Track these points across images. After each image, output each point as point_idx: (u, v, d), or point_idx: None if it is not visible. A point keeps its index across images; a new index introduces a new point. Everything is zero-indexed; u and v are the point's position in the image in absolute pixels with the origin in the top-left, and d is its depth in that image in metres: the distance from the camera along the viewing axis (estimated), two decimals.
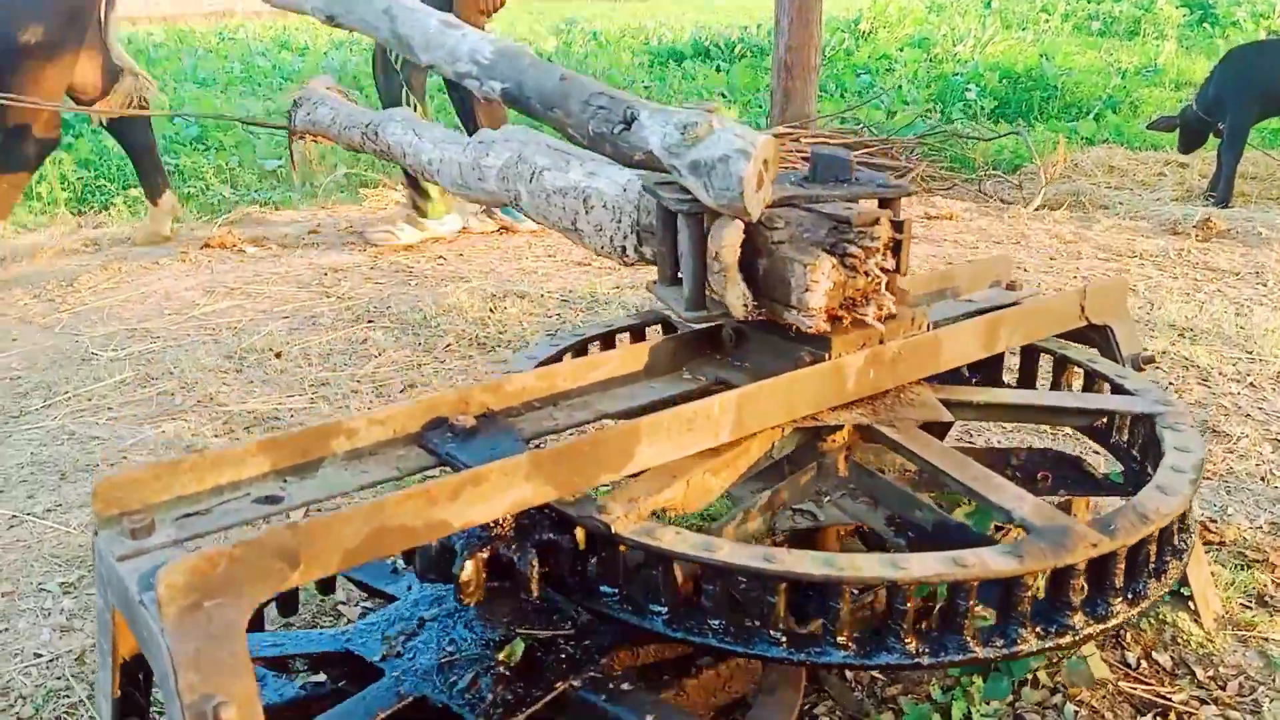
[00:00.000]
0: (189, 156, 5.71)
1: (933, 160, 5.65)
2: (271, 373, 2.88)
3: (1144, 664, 1.64)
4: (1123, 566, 1.18)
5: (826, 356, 1.40)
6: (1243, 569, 1.89)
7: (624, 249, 1.56)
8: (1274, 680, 1.60)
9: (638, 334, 1.82)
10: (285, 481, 1.17)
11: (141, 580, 0.93)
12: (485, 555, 1.20)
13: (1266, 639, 1.69)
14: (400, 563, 1.61)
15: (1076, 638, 1.16)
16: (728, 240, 1.38)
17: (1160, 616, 1.73)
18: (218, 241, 4.19)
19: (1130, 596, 1.20)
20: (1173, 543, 1.29)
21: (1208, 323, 3.22)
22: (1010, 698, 1.54)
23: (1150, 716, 1.52)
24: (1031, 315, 1.65)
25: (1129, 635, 1.70)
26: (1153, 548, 1.23)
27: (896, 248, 1.43)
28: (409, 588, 1.53)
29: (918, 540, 1.33)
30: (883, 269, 1.40)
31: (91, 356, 3.03)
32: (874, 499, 1.43)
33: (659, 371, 1.52)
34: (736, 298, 1.40)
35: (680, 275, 1.46)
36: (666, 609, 1.16)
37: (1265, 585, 1.84)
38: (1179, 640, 1.69)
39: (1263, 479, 2.25)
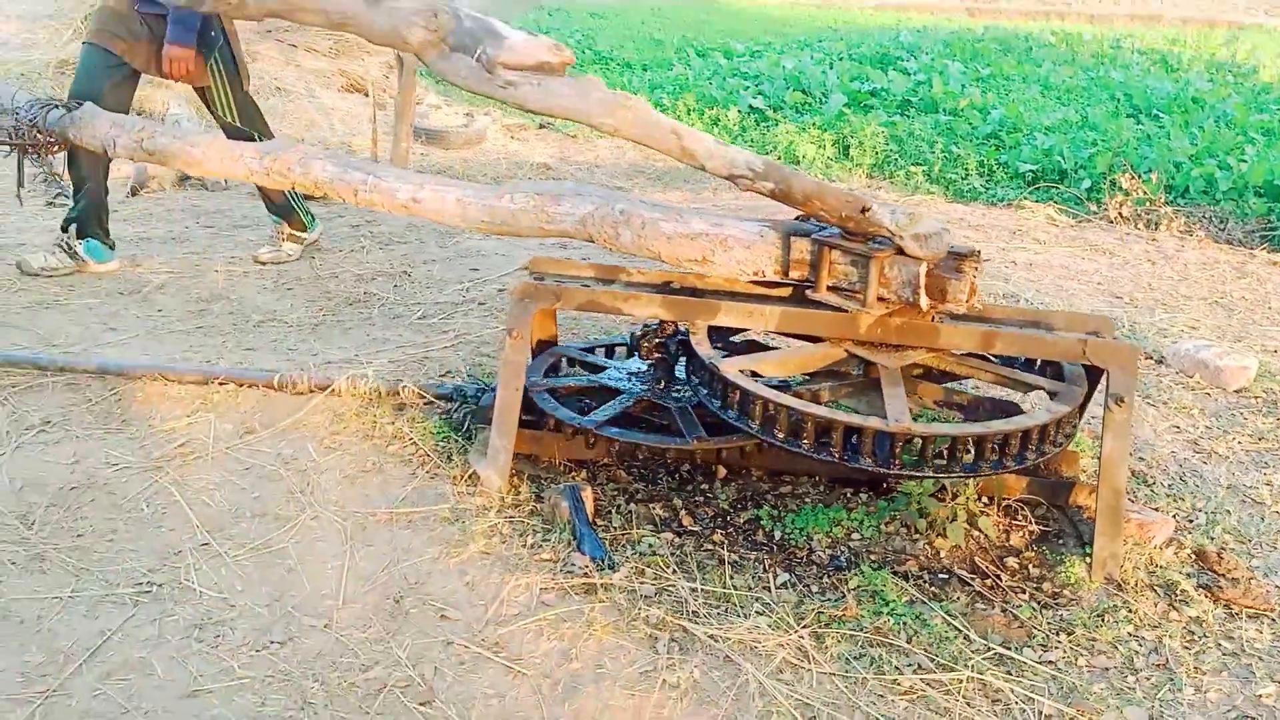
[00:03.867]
0: None
1: None
2: None
3: (1007, 570, 2.67)
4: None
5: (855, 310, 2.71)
6: (1199, 574, 2.67)
7: (765, 272, 2.83)
8: (1089, 639, 2.49)
9: None
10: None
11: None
12: (655, 340, 2.88)
13: (1131, 611, 2.56)
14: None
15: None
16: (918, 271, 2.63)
17: (1064, 557, 2.69)
18: None
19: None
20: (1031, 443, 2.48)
21: None
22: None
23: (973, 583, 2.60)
24: (1029, 340, 2.71)
25: (1021, 547, 2.71)
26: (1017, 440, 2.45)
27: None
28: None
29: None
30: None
31: None
32: (866, 400, 2.74)
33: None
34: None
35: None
36: (733, 411, 2.64)
37: (1187, 589, 2.62)
38: (1058, 570, 2.66)
39: None
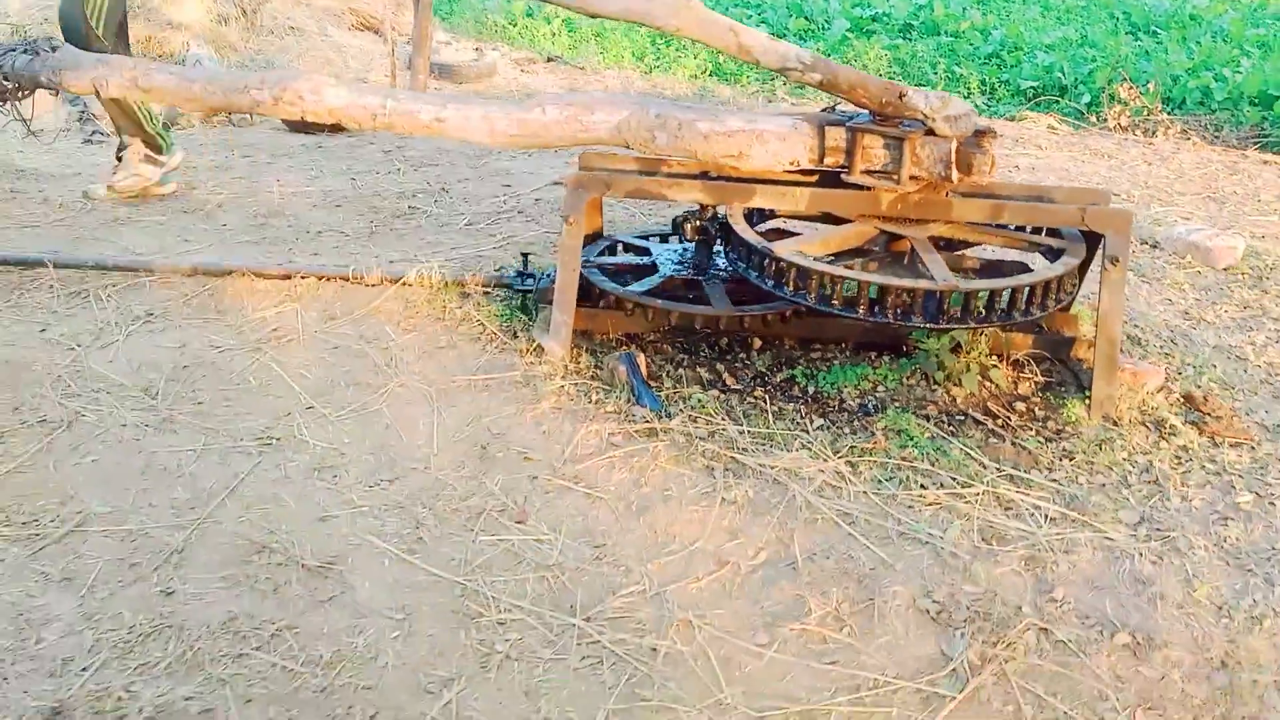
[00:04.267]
0: None
1: None
2: None
3: (1016, 412, 3.04)
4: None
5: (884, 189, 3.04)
6: (1187, 413, 3.04)
7: (800, 161, 3.16)
8: (1088, 463, 2.86)
9: None
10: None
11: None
12: (697, 222, 3.22)
13: (1125, 442, 2.92)
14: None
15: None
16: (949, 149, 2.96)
17: (1066, 401, 3.06)
18: None
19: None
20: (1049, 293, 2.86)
21: None
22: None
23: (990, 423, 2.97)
24: (1034, 210, 3.05)
25: (1029, 394, 3.08)
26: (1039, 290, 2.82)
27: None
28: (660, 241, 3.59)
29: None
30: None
31: None
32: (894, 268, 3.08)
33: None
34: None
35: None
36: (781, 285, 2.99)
37: (1175, 425, 2.99)
38: (1060, 412, 3.03)
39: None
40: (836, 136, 3.00)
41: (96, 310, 3.38)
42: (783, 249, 2.95)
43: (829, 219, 3.22)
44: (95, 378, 3.02)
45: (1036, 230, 3.21)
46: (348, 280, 3.53)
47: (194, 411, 2.91)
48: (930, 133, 2.89)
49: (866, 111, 3.04)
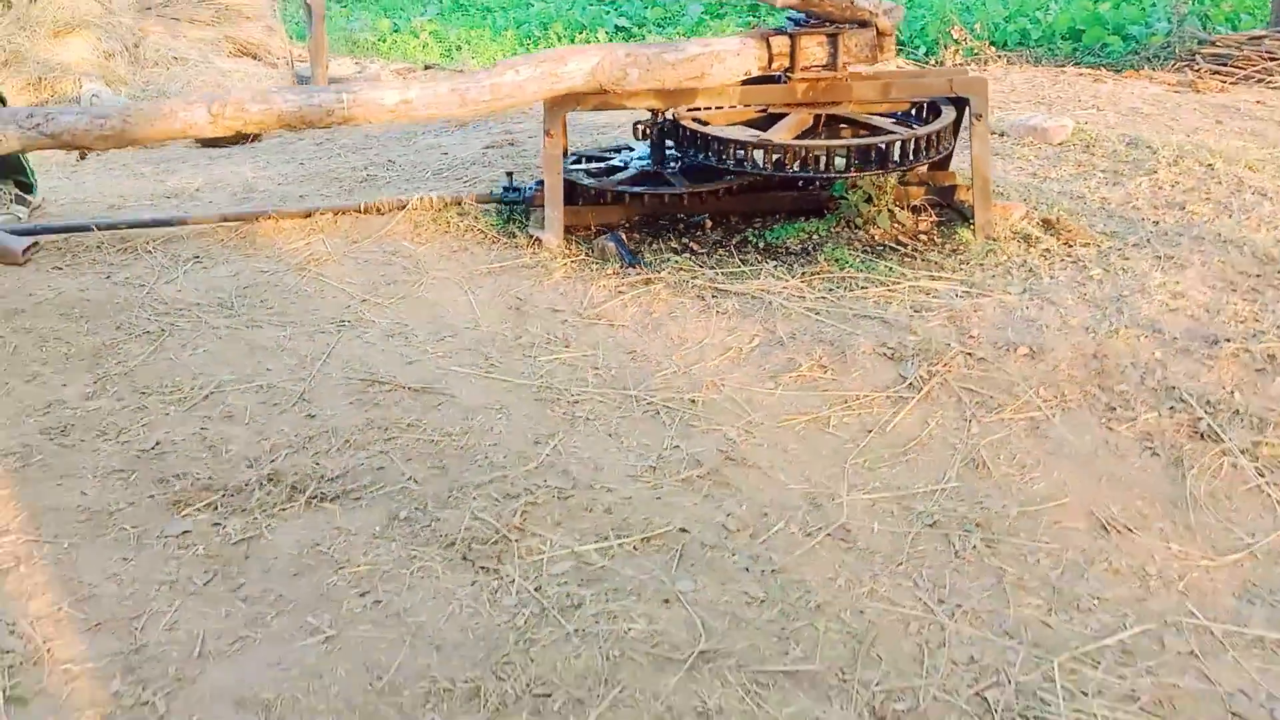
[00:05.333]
0: None
1: None
2: None
3: (921, 240, 3.97)
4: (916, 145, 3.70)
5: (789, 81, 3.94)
6: (1046, 231, 4.01)
7: (752, 70, 4.03)
8: (979, 264, 3.79)
9: None
10: None
11: None
12: (651, 123, 4.05)
13: (1004, 250, 3.87)
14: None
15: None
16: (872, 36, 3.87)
17: (956, 230, 4.00)
18: None
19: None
20: (929, 145, 3.74)
21: None
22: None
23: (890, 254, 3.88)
24: (915, 84, 3.99)
25: (928, 229, 4.01)
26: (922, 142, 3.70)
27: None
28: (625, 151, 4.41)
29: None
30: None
31: None
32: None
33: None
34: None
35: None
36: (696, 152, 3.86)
37: (1039, 236, 3.96)
38: (953, 237, 3.96)
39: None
40: (780, 44, 3.86)
41: (147, 258, 3.98)
42: (728, 130, 3.81)
43: (771, 118, 4.06)
44: (173, 301, 3.64)
45: (920, 106, 4.16)
46: (360, 212, 4.21)
47: (269, 313, 3.56)
48: (861, 25, 3.78)
49: (793, 22, 3.92)
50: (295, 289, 3.74)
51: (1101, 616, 2.29)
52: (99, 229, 4.12)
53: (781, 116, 3.99)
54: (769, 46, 3.85)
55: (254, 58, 11.23)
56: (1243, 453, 2.75)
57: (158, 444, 2.83)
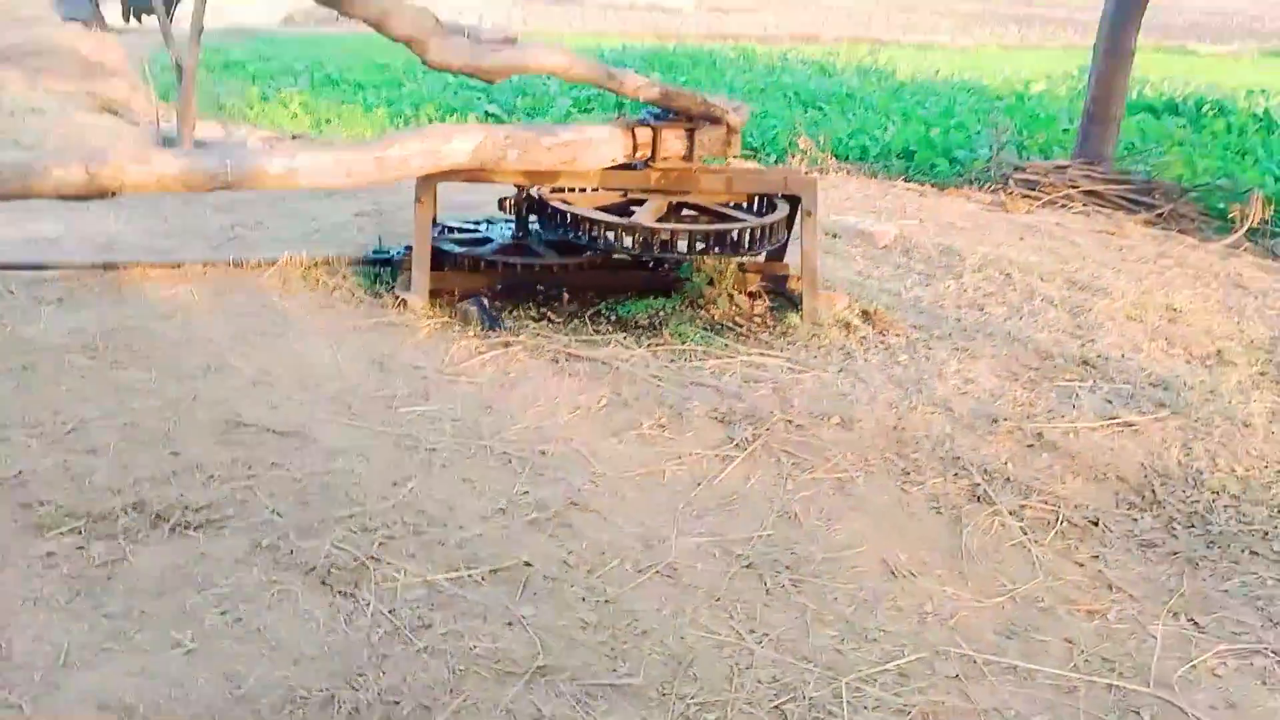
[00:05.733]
0: None
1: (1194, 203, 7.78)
2: None
3: (755, 322, 4.41)
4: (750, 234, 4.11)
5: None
6: (864, 320, 4.51)
7: (618, 158, 4.45)
8: (805, 346, 4.24)
9: None
10: None
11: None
12: (517, 200, 4.40)
13: (827, 335, 4.33)
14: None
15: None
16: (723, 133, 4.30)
17: (787, 315, 4.45)
18: None
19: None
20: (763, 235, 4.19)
21: None
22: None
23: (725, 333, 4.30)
24: (754, 179, 4.47)
25: (761, 313, 4.46)
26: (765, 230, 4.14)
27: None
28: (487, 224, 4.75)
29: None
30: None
31: None
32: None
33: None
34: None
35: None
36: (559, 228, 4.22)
37: (857, 325, 4.45)
38: (784, 321, 4.42)
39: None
40: (644, 134, 4.28)
41: (9, 299, 4.05)
42: (588, 209, 4.19)
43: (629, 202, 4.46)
44: (35, 341, 3.73)
45: (758, 199, 4.64)
46: (230, 265, 4.38)
47: (134, 356, 3.69)
48: (714, 121, 4.23)
49: (649, 115, 4.35)
50: (161, 335, 3.87)
51: (885, 645, 2.66)
52: None
53: (636, 201, 4.40)
54: (634, 136, 4.27)
55: (115, 114, 11.16)
56: (1011, 514, 3.21)
57: (20, 473, 2.93)
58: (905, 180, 8.73)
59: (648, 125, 4.30)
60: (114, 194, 6.19)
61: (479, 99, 13.22)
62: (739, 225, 4.23)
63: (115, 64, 11.48)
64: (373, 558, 2.69)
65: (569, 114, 11.75)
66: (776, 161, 9.59)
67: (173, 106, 9.49)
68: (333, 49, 18.47)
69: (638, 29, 25.96)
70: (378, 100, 13.43)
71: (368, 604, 2.53)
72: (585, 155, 4.23)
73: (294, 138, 11.41)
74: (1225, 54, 24.88)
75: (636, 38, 23.65)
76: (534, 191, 4.40)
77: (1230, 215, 7.37)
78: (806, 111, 12.58)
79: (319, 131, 11.78)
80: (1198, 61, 22.99)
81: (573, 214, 4.19)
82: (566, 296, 4.52)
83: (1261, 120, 12.25)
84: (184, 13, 12.92)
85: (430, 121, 12.04)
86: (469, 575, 2.68)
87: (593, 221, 4.14)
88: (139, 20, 21.84)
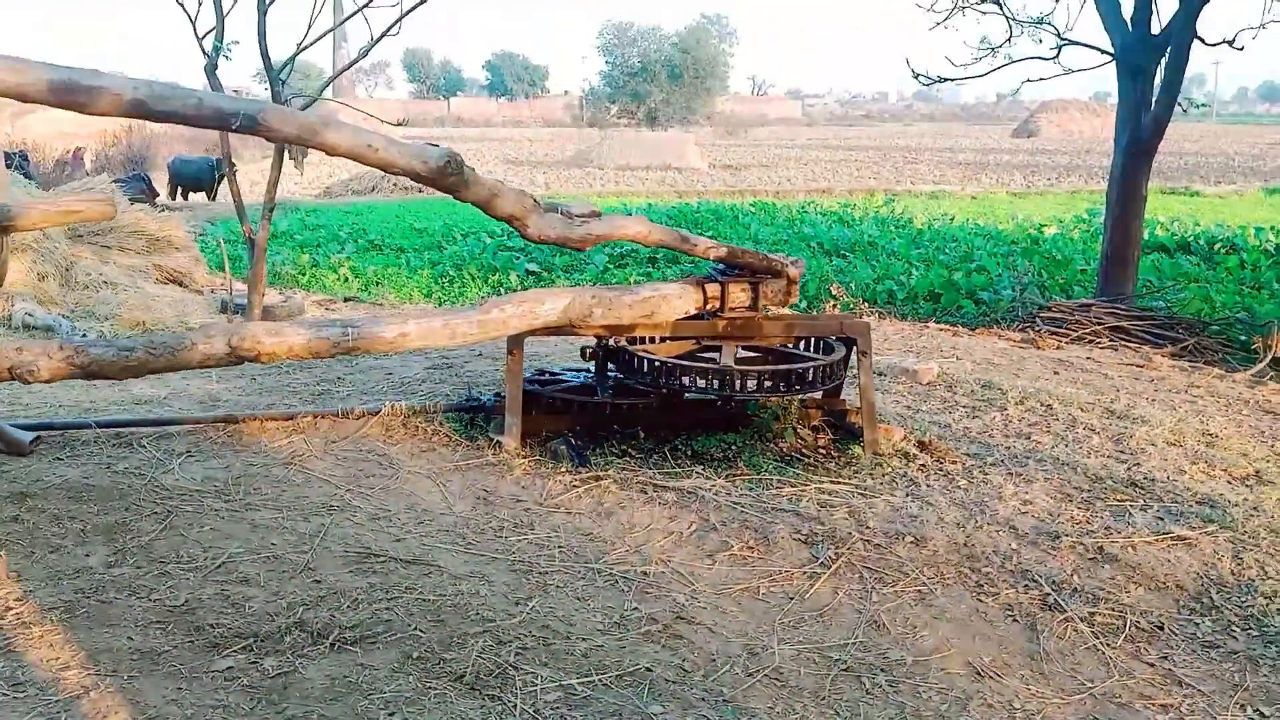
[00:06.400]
0: None
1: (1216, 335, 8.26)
2: None
3: (821, 453, 4.78)
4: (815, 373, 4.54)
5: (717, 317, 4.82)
6: (921, 450, 4.87)
7: (690, 310, 4.95)
8: (869, 475, 4.61)
9: None
10: None
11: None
12: (596, 349, 4.85)
13: (889, 464, 4.70)
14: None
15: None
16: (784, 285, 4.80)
17: (849, 446, 4.83)
18: None
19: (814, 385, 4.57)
20: (827, 374, 4.61)
21: None
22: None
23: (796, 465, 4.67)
24: (812, 325, 4.93)
25: (825, 445, 4.83)
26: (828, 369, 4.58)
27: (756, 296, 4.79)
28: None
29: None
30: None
31: None
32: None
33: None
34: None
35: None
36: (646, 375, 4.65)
37: (916, 454, 4.81)
38: (847, 452, 4.79)
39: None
40: (714, 289, 4.75)
41: (143, 452, 4.47)
42: (667, 356, 4.63)
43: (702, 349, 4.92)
44: (173, 488, 4.13)
45: (817, 343, 5.09)
46: (338, 416, 4.82)
47: (263, 499, 4.08)
48: (775, 274, 4.71)
49: (714, 270, 4.83)
50: (284, 480, 4.27)
51: None
52: (98, 426, 4.61)
53: (706, 348, 4.85)
54: (704, 291, 4.74)
55: (180, 284, 11.88)
56: (1082, 620, 3.50)
57: (186, 601, 3.29)
58: (935, 322, 9.23)
59: (716, 281, 4.78)
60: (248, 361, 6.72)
61: (518, 258, 13.97)
62: (808, 365, 4.65)
63: (178, 239, 12.25)
64: (511, 665, 3.01)
65: (606, 270, 12.41)
66: (808, 308, 10.13)
67: (245, 278, 10.14)
68: (372, 218, 19.53)
69: (656, 189, 27.24)
70: (420, 262, 14.19)
71: (514, 705, 2.84)
72: (662, 309, 4.69)
73: (346, 300, 12.10)
74: (1229, 193, 25.84)
75: (658, 196, 24.86)
76: (611, 342, 4.84)
77: (1253, 347, 7.80)
78: (831, 260, 13.23)
79: (368, 294, 12.47)
80: (1203, 201, 23.92)
81: (658, 361, 4.63)
82: (642, 434, 4.91)
83: (1273, 255, 12.82)
84: (223, 190, 13.85)
85: (473, 281, 12.75)
86: (598, 680, 2.99)
87: (678, 367, 4.58)
88: (185, 198, 23.23)
